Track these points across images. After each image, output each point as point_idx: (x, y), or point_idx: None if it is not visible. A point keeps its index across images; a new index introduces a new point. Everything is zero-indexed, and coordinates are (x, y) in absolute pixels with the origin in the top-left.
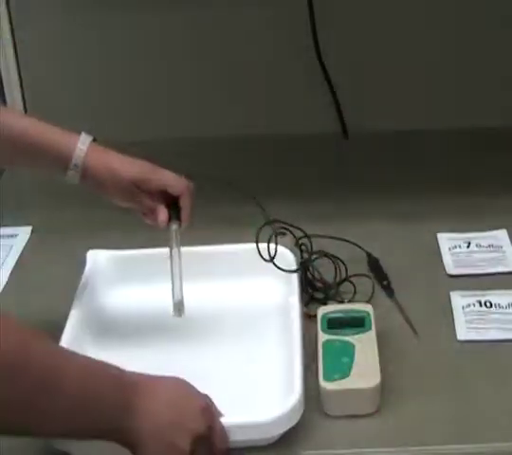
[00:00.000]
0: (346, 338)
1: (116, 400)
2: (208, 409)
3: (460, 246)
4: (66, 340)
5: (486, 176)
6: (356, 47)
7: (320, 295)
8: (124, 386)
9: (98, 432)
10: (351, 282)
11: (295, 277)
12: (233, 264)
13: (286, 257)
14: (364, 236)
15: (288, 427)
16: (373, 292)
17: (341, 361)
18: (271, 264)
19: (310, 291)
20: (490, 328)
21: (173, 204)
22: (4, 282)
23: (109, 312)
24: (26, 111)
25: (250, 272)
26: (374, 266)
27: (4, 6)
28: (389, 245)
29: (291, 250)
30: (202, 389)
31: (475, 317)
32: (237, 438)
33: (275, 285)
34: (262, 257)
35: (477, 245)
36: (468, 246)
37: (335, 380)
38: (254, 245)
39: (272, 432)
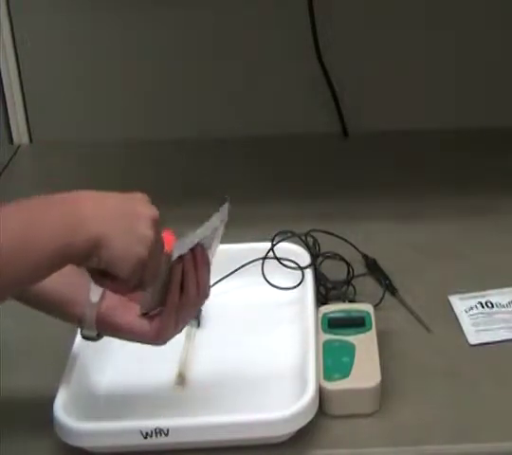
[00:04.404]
0: (346, 338)
1: (61, 215)
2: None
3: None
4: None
5: (486, 176)
6: (356, 48)
7: (333, 296)
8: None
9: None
10: (351, 283)
11: (309, 273)
12: (242, 263)
13: (299, 254)
14: (364, 236)
15: (301, 425)
16: (380, 294)
17: (341, 361)
18: (280, 262)
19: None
20: (498, 328)
21: None
22: None
23: None
24: (26, 110)
25: (260, 271)
26: (373, 267)
27: (4, 6)
28: (388, 246)
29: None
30: (215, 386)
31: (481, 319)
32: (249, 436)
33: (288, 283)
34: (275, 257)
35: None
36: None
37: (335, 380)
38: (263, 244)
39: (285, 430)
